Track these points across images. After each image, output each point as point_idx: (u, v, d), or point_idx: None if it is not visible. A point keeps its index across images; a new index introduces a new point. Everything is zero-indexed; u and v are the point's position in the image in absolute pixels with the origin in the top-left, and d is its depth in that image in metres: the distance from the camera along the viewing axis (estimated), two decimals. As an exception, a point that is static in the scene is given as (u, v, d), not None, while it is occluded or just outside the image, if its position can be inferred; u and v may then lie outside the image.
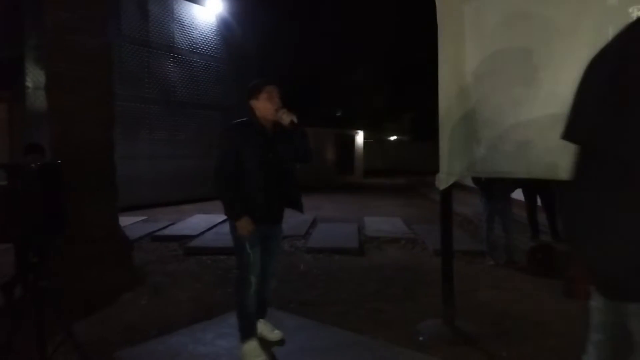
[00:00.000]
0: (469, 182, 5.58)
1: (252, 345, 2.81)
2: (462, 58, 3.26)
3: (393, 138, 29.26)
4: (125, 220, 6.62)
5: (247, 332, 2.85)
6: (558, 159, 2.79)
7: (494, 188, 5.35)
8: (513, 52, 3.11)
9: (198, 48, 12.41)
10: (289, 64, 15.93)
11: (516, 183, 5.50)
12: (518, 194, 5.74)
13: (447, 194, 3.44)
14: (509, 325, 3.52)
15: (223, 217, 8.77)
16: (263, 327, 3.15)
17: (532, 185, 6.53)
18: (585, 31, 2.92)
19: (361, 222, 8.40)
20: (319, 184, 16.17)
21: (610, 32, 2.86)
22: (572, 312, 3.83)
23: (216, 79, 12.84)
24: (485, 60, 3.22)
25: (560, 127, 3.11)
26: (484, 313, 3.78)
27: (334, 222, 8.47)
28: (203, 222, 8.14)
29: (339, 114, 21.13)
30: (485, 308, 3.94)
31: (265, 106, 2.84)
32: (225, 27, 12.99)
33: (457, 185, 3.59)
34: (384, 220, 8.55)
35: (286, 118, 2.80)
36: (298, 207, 3.03)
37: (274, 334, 3.14)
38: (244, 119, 2.90)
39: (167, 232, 7.40)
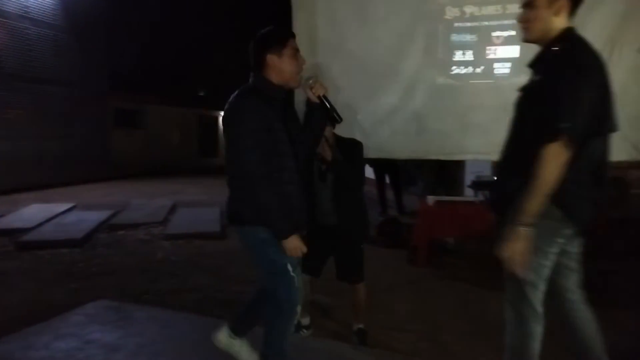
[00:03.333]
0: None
1: None
2: (314, 31, 3.22)
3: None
4: None
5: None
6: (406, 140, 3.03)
7: None
8: (361, 37, 3.23)
9: (30, 12, 10.72)
10: (144, 38, 14.69)
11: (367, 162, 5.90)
12: (368, 173, 6.20)
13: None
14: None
15: (66, 206, 7.88)
16: (241, 348, 2.33)
17: (381, 165, 7.12)
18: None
19: (224, 205, 8.24)
20: (179, 166, 15.43)
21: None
22: (415, 277, 4.33)
23: (54, 50, 11.27)
24: (336, 38, 3.25)
25: (406, 110, 3.29)
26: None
27: (195, 207, 8.17)
28: (41, 212, 7.18)
29: (202, 93, 20.25)
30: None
31: (290, 67, 2.00)
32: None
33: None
34: (247, 203, 8.52)
35: (319, 90, 2.06)
36: None
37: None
38: (250, 84, 2.06)
39: (-7, 225, 6.36)
